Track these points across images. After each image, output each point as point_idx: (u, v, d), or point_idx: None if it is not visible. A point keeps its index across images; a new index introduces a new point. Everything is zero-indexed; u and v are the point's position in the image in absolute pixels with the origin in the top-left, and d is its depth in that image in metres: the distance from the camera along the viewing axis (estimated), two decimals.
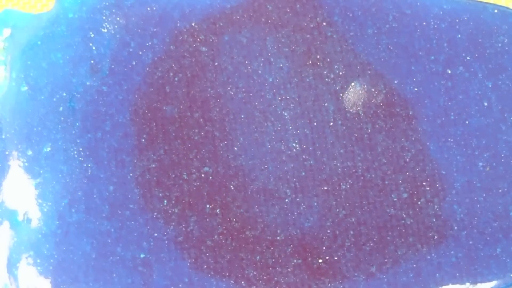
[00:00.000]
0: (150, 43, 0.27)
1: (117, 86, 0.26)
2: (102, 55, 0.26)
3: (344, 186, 0.26)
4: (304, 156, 0.26)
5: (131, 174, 0.26)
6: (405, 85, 0.26)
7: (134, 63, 0.26)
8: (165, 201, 0.26)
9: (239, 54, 0.27)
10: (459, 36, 0.26)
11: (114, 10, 0.27)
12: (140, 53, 0.27)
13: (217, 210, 0.26)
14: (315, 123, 0.26)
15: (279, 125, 0.26)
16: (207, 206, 0.26)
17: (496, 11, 0.27)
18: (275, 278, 0.25)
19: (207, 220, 0.26)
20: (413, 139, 0.26)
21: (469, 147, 0.26)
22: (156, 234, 0.25)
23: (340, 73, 0.26)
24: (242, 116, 0.26)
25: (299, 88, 0.26)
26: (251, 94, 0.26)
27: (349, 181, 0.26)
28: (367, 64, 0.26)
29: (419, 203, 0.26)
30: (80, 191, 0.26)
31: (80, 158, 0.26)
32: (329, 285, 0.25)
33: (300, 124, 0.26)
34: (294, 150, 0.26)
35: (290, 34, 0.27)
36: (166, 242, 0.25)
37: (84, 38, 0.27)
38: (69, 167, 0.26)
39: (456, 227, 0.26)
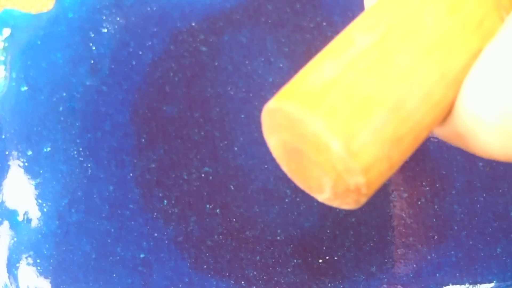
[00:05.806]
0: (150, 43, 0.27)
1: (117, 86, 0.26)
2: (102, 55, 0.26)
3: None
4: None
5: (131, 174, 0.26)
6: None
7: (134, 63, 0.26)
8: (165, 201, 0.26)
9: (239, 54, 0.27)
10: None
11: (114, 10, 0.27)
12: (140, 53, 0.27)
13: (217, 210, 0.26)
14: None
15: None
16: (207, 206, 0.26)
17: None
18: (275, 278, 0.25)
19: (207, 220, 0.26)
20: None
21: None
22: (156, 234, 0.25)
23: None
24: (242, 116, 0.26)
25: None
26: (251, 94, 0.26)
27: None
28: None
29: (419, 203, 0.26)
30: (80, 191, 0.26)
31: (80, 158, 0.26)
32: (329, 285, 0.25)
33: None
34: None
35: (290, 34, 0.27)
36: (166, 242, 0.25)
37: (84, 38, 0.27)
38: (69, 167, 0.26)
39: (456, 227, 0.26)
